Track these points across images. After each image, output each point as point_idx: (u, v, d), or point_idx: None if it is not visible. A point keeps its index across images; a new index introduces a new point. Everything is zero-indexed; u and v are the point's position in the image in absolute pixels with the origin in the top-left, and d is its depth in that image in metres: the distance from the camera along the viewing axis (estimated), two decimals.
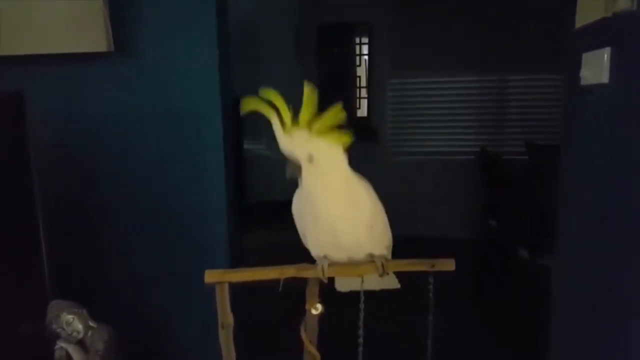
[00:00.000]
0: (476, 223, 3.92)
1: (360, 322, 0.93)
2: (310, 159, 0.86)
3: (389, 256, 1.03)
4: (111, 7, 1.63)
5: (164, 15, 1.69)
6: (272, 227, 4.42)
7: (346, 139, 0.88)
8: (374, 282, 0.98)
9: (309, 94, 0.85)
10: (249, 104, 0.84)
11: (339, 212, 0.90)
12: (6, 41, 1.62)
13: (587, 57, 1.22)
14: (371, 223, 0.94)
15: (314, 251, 0.97)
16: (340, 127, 0.87)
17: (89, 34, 1.61)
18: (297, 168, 0.87)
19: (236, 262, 1.84)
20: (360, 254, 0.96)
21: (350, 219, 0.91)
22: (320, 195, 0.89)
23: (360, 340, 0.95)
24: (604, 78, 1.14)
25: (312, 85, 0.85)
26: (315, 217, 0.91)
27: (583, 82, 1.25)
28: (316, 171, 0.87)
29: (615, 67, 1.12)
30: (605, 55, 1.13)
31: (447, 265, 0.94)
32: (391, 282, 1.03)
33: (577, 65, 1.26)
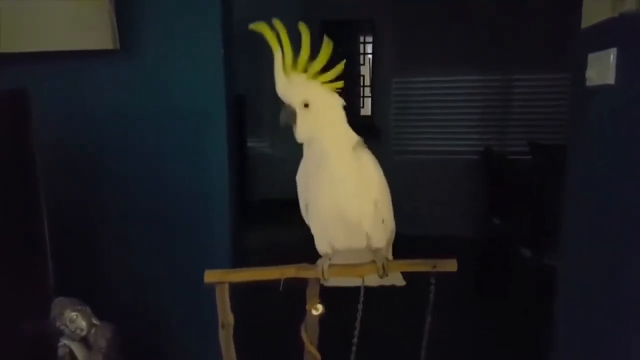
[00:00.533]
0: (479, 222, 3.92)
1: (357, 322, 0.92)
2: (306, 104, 0.85)
3: (390, 250, 1.02)
4: (116, 5, 1.62)
5: (169, 14, 1.69)
6: (273, 225, 4.43)
7: (339, 84, 0.88)
8: (372, 280, 0.97)
9: (305, 35, 0.85)
10: (259, 27, 0.84)
11: (340, 165, 0.88)
12: (11, 38, 1.62)
13: (593, 58, 1.21)
14: (376, 197, 0.92)
15: (316, 229, 0.95)
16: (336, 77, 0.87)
17: (94, 32, 1.61)
18: (292, 114, 0.86)
19: (238, 261, 1.84)
20: (361, 239, 0.94)
21: (352, 181, 0.89)
22: (318, 143, 0.88)
23: (355, 340, 0.95)
24: (610, 79, 1.14)
25: (307, 27, 0.85)
26: (316, 171, 0.89)
27: (588, 82, 1.24)
28: (311, 119, 0.86)
29: (621, 68, 1.11)
30: (611, 56, 1.12)
31: (449, 265, 0.94)
32: (395, 280, 1.01)
33: (583, 66, 1.25)
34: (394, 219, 1.00)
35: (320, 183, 0.89)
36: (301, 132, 0.88)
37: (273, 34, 0.83)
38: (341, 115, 0.90)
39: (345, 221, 0.91)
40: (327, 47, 0.85)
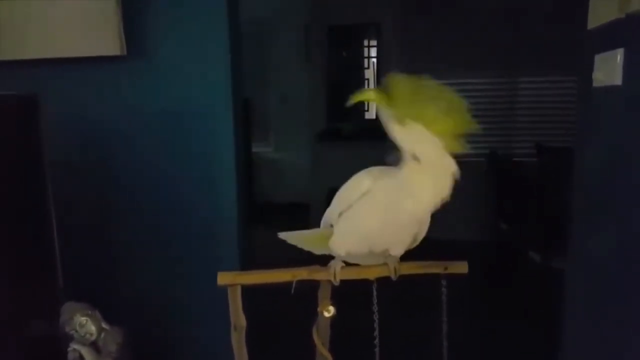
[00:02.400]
0: (486, 226, 3.90)
1: (376, 324, 0.92)
2: (415, 157, 0.79)
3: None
4: (123, 11, 1.64)
5: (176, 19, 1.71)
6: (278, 229, 4.42)
7: (460, 146, 0.81)
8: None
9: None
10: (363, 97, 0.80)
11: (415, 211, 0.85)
12: (20, 45, 1.64)
13: (600, 59, 1.21)
14: (418, 231, 0.93)
15: (342, 240, 0.94)
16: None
17: (102, 38, 1.63)
18: (400, 158, 0.81)
19: (246, 264, 1.85)
20: (382, 253, 0.95)
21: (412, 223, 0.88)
22: (410, 187, 0.82)
23: (376, 341, 0.94)
24: (617, 80, 1.13)
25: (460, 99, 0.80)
26: (383, 202, 0.85)
27: (595, 84, 1.24)
28: (419, 172, 0.81)
29: (628, 68, 1.11)
30: (618, 57, 1.12)
31: (460, 267, 0.94)
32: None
33: (590, 67, 1.25)
34: None
35: (366, 214, 0.87)
36: (404, 177, 0.82)
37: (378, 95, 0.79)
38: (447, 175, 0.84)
39: (379, 246, 0.92)
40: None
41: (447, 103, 0.81)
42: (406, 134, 0.79)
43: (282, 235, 1.01)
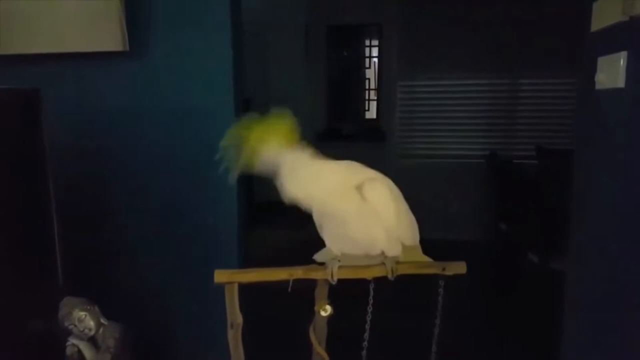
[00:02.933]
0: (485, 227, 3.90)
1: (367, 323, 0.92)
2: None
3: (419, 249, 1.03)
4: (126, 7, 1.64)
5: (178, 15, 1.71)
6: (279, 227, 4.43)
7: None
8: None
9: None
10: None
11: (341, 211, 0.89)
12: (22, 40, 1.64)
13: (603, 61, 1.21)
14: (387, 225, 0.92)
15: (329, 245, 0.97)
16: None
17: (104, 34, 1.62)
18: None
19: (246, 261, 1.85)
20: (375, 250, 0.95)
21: (357, 220, 0.90)
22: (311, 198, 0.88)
23: (365, 344, 0.95)
24: (620, 82, 1.13)
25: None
26: (323, 212, 0.92)
27: (598, 86, 1.24)
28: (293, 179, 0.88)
29: (631, 71, 1.11)
30: (622, 60, 1.12)
31: (458, 268, 0.94)
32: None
33: (592, 69, 1.25)
34: (414, 225, 0.99)
35: (329, 223, 0.92)
36: (292, 193, 0.89)
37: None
38: (324, 169, 0.90)
39: (359, 246, 0.94)
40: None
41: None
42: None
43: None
